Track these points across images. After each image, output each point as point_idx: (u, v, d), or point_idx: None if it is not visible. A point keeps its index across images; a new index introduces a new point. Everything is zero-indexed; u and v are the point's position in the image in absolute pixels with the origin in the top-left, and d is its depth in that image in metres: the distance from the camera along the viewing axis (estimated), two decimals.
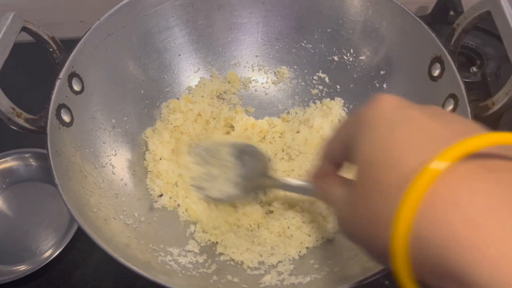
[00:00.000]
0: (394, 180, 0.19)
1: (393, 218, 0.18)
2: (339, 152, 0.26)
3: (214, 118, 0.55)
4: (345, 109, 0.56)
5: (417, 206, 0.18)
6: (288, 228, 0.46)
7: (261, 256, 0.44)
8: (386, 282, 0.50)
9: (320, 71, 0.58)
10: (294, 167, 0.52)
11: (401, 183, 0.19)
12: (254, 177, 0.47)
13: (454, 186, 0.18)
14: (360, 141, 0.22)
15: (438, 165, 0.18)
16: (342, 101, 0.56)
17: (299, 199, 0.48)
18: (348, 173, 0.26)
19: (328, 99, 0.57)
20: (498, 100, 0.40)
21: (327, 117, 0.54)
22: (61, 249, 0.50)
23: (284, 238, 0.46)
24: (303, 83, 0.59)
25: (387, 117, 0.21)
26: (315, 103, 0.57)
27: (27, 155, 0.58)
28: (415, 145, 0.20)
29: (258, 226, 0.48)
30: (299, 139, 0.53)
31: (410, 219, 0.18)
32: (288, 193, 0.48)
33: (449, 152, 0.18)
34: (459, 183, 0.18)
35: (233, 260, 0.44)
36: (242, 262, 0.44)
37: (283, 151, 0.54)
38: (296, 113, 0.57)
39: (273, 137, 0.55)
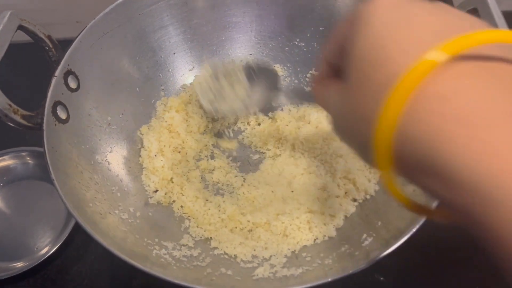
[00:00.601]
0: (385, 76, 0.19)
1: (379, 112, 0.18)
2: (337, 53, 0.24)
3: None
4: None
5: (404, 102, 0.17)
6: (287, 227, 0.47)
7: (255, 250, 0.45)
8: (381, 278, 0.51)
9: (313, 69, 0.58)
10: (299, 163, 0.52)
11: (391, 79, 0.18)
12: (263, 91, 0.50)
13: (445, 82, 0.17)
14: (355, 39, 0.21)
15: (431, 59, 0.17)
16: None
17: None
18: None
19: None
20: None
21: (323, 111, 0.55)
22: (58, 245, 0.51)
23: (280, 236, 0.46)
24: (296, 81, 0.59)
25: (384, 13, 0.20)
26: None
27: (24, 154, 0.58)
28: (409, 41, 0.19)
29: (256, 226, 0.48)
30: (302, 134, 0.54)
31: (396, 114, 0.18)
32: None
33: (444, 47, 0.17)
34: (450, 79, 0.17)
35: (226, 254, 0.45)
36: (236, 256, 0.44)
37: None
38: (290, 110, 0.58)
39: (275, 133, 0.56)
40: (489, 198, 0.15)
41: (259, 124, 0.56)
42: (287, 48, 0.59)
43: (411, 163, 0.18)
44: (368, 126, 0.19)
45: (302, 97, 0.49)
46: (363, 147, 0.21)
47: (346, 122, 0.22)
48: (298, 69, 0.59)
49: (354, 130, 0.21)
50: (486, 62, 0.17)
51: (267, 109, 0.56)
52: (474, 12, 0.44)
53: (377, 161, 0.19)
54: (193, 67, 0.59)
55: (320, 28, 0.56)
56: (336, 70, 0.26)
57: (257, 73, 0.50)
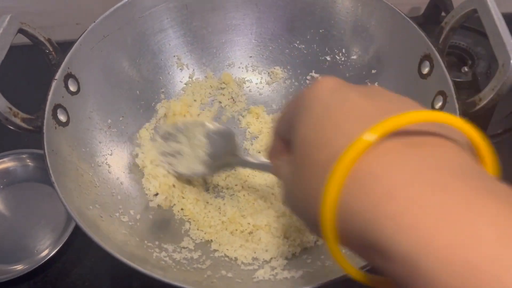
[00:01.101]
0: (324, 157, 0.20)
1: (322, 191, 0.20)
2: (286, 130, 0.26)
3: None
4: None
5: (343, 180, 0.19)
6: (288, 229, 0.47)
7: (255, 252, 0.45)
8: None
9: (313, 71, 0.59)
10: None
11: (331, 159, 0.20)
12: (221, 155, 0.49)
13: (375, 160, 0.19)
14: (297, 121, 0.23)
15: (362, 142, 0.19)
16: None
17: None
18: None
19: None
20: (485, 96, 0.40)
21: None
22: (58, 248, 0.51)
23: (280, 238, 0.46)
24: (296, 83, 0.59)
25: (323, 98, 0.22)
26: None
27: (24, 156, 0.58)
28: (345, 124, 0.21)
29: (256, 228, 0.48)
30: None
31: (336, 192, 0.19)
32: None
33: (375, 128, 0.19)
34: (379, 157, 0.19)
35: (227, 256, 0.45)
36: (236, 258, 0.44)
37: None
38: None
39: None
40: (417, 268, 0.16)
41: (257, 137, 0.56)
42: (287, 51, 0.59)
43: (353, 237, 0.19)
44: (314, 203, 0.20)
45: (262, 169, 0.47)
46: (311, 220, 0.22)
47: (295, 196, 0.24)
48: (298, 71, 0.59)
49: (302, 204, 0.23)
50: (412, 139, 0.19)
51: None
52: (473, 13, 0.44)
53: (324, 236, 0.20)
54: (193, 70, 0.59)
55: (320, 30, 0.56)
56: (287, 142, 0.28)
57: (216, 135, 0.50)
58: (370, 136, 0.19)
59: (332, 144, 0.20)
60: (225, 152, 0.49)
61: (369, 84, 0.55)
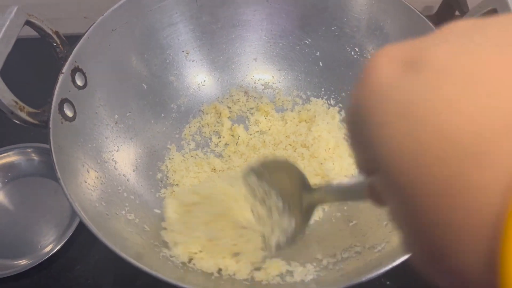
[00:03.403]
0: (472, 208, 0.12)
1: (496, 253, 0.11)
2: (367, 161, 0.17)
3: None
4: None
5: None
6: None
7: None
8: (388, 283, 0.50)
9: (324, 69, 0.57)
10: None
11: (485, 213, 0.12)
12: (297, 193, 0.37)
13: None
14: (373, 139, 0.15)
15: None
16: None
17: None
18: None
19: (333, 96, 0.57)
20: None
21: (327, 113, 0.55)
22: (62, 244, 0.50)
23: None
24: (308, 79, 0.58)
25: (393, 91, 0.14)
26: (318, 99, 0.57)
27: (29, 150, 0.57)
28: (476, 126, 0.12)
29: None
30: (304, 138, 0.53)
31: None
32: None
33: None
34: None
35: None
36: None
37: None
38: (299, 112, 0.57)
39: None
40: None
41: None
42: (297, 48, 0.58)
43: None
44: (468, 259, 0.12)
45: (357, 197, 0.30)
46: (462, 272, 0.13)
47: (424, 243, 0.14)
48: (309, 68, 0.58)
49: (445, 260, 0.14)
50: None
51: None
52: (493, 12, 0.43)
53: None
54: (202, 65, 0.58)
55: (332, 28, 0.55)
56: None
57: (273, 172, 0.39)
58: None
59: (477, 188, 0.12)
60: (297, 189, 0.37)
61: None
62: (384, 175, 0.14)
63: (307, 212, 0.36)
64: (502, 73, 0.12)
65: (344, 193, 0.31)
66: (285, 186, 0.38)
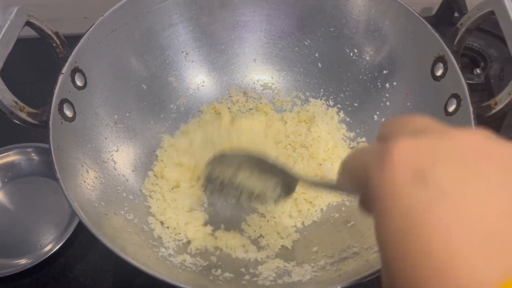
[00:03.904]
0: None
1: None
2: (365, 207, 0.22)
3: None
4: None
5: None
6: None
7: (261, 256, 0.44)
8: None
9: (323, 70, 0.58)
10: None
11: None
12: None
13: None
14: (378, 220, 0.17)
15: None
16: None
17: None
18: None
19: (332, 97, 0.57)
20: (501, 100, 0.39)
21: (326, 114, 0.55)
22: (62, 243, 0.50)
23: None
24: (307, 80, 0.59)
25: (405, 198, 0.15)
26: (316, 99, 0.58)
27: (29, 150, 0.58)
28: (457, 253, 0.14)
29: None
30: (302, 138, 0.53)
31: None
32: None
33: None
34: None
35: (234, 258, 0.44)
36: (243, 259, 0.44)
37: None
38: (298, 112, 0.57)
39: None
40: None
41: None
42: (296, 49, 0.58)
43: None
44: None
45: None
46: None
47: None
48: (308, 69, 0.58)
49: None
50: None
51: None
52: (490, 14, 0.43)
53: None
54: (201, 66, 0.58)
55: (331, 29, 0.55)
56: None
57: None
58: None
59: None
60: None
61: (380, 85, 0.54)
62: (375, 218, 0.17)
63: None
64: (493, 208, 0.14)
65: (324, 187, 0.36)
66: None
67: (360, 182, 0.20)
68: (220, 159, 0.42)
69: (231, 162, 0.41)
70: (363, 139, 0.55)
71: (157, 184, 0.50)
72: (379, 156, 0.17)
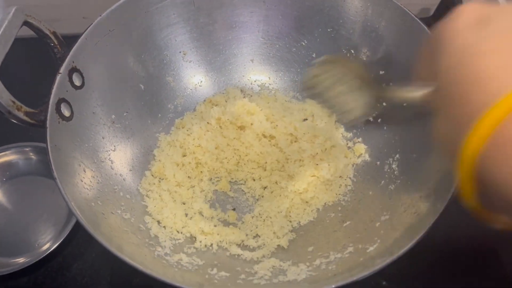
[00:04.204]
0: (468, 108, 0.20)
1: (465, 136, 0.20)
2: (427, 71, 0.26)
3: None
4: None
5: (480, 146, 0.19)
6: None
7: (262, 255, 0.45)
8: (384, 283, 0.51)
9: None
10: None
11: (473, 113, 0.20)
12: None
13: None
14: (440, 59, 0.22)
15: (508, 102, 0.18)
16: None
17: None
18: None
19: None
20: None
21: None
22: (59, 242, 0.51)
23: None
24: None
25: (464, 33, 0.21)
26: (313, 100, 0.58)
27: (27, 149, 0.58)
28: (488, 71, 0.20)
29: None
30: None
31: (479, 144, 0.19)
32: None
33: None
34: None
35: (230, 255, 0.45)
36: (239, 255, 0.44)
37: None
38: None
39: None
40: None
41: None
42: (294, 49, 0.58)
43: (490, 189, 0.20)
44: (457, 140, 0.21)
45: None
46: (450, 151, 0.22)
47: (441, 127, 0.24)
48: (305, 70, 0.58)
49: (447, 136, 0.23)
50: None
51: None
52: None
53: (460, 175, 0.21)
54: (199, 66, 0.58)
55: (328, 29, 0.56)
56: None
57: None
58: None
59: (483, 89, 0.20)
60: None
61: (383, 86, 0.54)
62: (437, 80, 0.23)
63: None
64: None
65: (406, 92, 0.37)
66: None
67: (428, 65, 0.25)
68: (324, 67, 0.45)
69: (333, 72, 0.44)
70: (360, 139, 0.55)
71: (154, 184, 0.50)
72: (445, 20, 0.23)
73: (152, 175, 0.51)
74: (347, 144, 0.55)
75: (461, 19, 0.22)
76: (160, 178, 0.51)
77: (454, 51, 0.21)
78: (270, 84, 0.60)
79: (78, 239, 0.53)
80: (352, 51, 0.55)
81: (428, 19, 0.71)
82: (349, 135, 0.56)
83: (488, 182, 0.20)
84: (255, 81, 0.60)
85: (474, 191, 0.21)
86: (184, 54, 0.57)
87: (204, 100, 0.58)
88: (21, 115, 0.40)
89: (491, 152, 0.19)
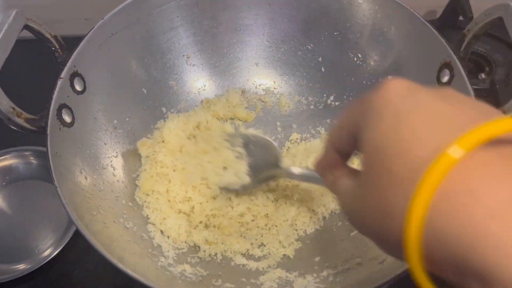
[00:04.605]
0: (405, 169, 0.19)
1: (406, 209, 0.18)
2: (346, 140, 0.25)
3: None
4: None
5: (432, 197, 0.17)
6: None
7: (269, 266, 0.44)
8: None
9: (327, 75, 0.57)
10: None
11: (413, 173, 0.18)
12: (264, 167, 0.47)
13: (470, 175, 0.17)
14: (367, 129, 0.21)
15: (453, 153, 0.17)
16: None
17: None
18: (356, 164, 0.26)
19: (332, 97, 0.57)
20: (510, 109, 0.39)
21: None
22: (60, 248, 0.50)
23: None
24: (310, 84, 0.58)
25: (395, 104, 0.20)
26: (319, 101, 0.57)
27: (27, 153, 0.57)
28: (426, 131, 0.19)
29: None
30: None
31: (424, 211, 0.17)
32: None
33: (465, 138, 0.17)
34: (476, 172, 0.17)
35: (235, 266, 0.44)
36: (244, 265, 0.43)
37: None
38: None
39: None
40: None
41: None
42: (299, 53, 0.57)
43: (443, 260, 0.18)
44: (392, 221, 0.19)
45: (310, 181, 0.45)
46: (387, 241, 0.20)
47: (363, 212, 0.22)
48: (311, 74, 0.58)
49: (374, 222, 0.21)
50: (506, 150, 0.17)
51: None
52: (499, 21, 0.42)
53: (407, 258, 0.19)
54: (203, 70, 0.57)
55: (335, 33, 0.55)
56: (344, 155, 0.27)
57: (255, 146, 0.48)
58: (458, 149, 0.17)
59: (413, 153, 0.18)
60: (267, 164, 0.47)
61: None
62: (362, 150, 0.22)
63: (266, 180, 0.48)
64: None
65: (301, 177, 0.45)
66: (258, 155, 0.48)
67: (350, 132, 0.24)
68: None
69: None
70: None
71: (148, 195, 0.48)
72: (373, 91, 0.22)
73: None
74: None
75: (392, 90, 0.21)
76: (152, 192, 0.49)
77: (386, 117, 0.20)
78: (275, 88, 0.59)
79: (79, 245, 0.52)
80: (359, 55, 0.54)
81: (434, 22, 0.70)
82: None
83: (441, 247, 0.17)
84: (259, 85, 0.59)
85: (424, 268, 0.19)
86: (188, 57, 0.56)
87: (202, 101, 0.57)
88: (21, 121, 0.39)
89: (439, 210, 0.17)
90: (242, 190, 0.48)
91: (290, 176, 0.46)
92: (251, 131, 0.52)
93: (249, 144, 0.49)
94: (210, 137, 0.50)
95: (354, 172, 0.26)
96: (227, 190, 0.47)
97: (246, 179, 0.46)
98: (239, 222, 0.47)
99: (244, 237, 0.47)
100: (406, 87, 0.21)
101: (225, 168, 0.48)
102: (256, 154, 0.48)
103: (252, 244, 0.47)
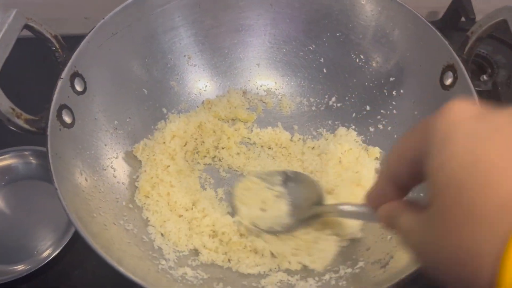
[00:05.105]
0: (491, 204, 0.17)
1: (499, 251, 0.16)
2: (406, 170, 0.22)
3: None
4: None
5: None
6: None
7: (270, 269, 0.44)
8: None
9: (328, 76, 0.56)
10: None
11: (501, 209, 0.16)
12: (305, 206, 0.44)
13: None
14: (435, 154, 0.19)
15: None
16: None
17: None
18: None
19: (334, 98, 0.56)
20: None
21: None
22: (60, 249, 0.49)
23: None
24: (311, 85, 0.57)
25: (468, 127, 0.18)
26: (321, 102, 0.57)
27: (26, 153, 0.56)
28: (509, 161, 0.17)
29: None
30: None
31: None
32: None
33: None
34: None
35: (237, 271, 0.43)
36: (248, 274, 0.43)
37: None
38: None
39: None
40: None
41: None
42: (301, 53, 0.57)
43: None
44: (480, 262, 0.17)
45: (360, 218, 0.40)
46: (470, 282, 0.18)
47: (439, 254, 0.19)
48: (312, 74, 0.57)
49: (455, 264, 0.19)
50: None
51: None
52: (503, 23, 0.42)
53: None
54: (204, 70, 0.57)
55: (337, 34, 0.54)
56: (403, 188, 0.24)
57: (296, 183, 0.46)
58: None
59: (498, 188, 0.17)
60: (309, 202, 0.44)
61: (386, 93, 0.53)
62: (430, 182, 0.19)
63: (310, 219, 0.44)
64: None
65: (350, 214, 0.39)
66: (299, 194, 0.46)
67: (411, 162, 0.22)
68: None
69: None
70: (369, 147, 0.54)
71: (148, 198, 0.48)
72: (437, 114, 0.20)
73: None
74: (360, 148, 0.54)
75: (461, 112, 0.19)
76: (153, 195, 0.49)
77: (458, 141, 0.18)
78: (276, 89, 0.59)
79: (79, 246, 0.52)
80: (362, 56, 0.54)
81: (436, 22, 0.69)
82: (361, 137, 0.54)
83: None
84: (261, 86, 0.59)
85: None
86: (189, 58, 0.56)
87: (203, 102, 0.57)
88: (21, 122, 0.38)
89: None
90: (284, 231, 0.44)
91: (338, 214, 0.41)
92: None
93: (287, 181, 0.46)
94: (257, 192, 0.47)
95: (415, 205, 0.23)
96: (268, 232, 0.45)
97: (288, 220, 0.44)
98: (250, 251, 0.45)
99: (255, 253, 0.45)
100: (476, 109, 0.19)
101: (262, 209, 0.45)
102: (296, 192, 0.46)
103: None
